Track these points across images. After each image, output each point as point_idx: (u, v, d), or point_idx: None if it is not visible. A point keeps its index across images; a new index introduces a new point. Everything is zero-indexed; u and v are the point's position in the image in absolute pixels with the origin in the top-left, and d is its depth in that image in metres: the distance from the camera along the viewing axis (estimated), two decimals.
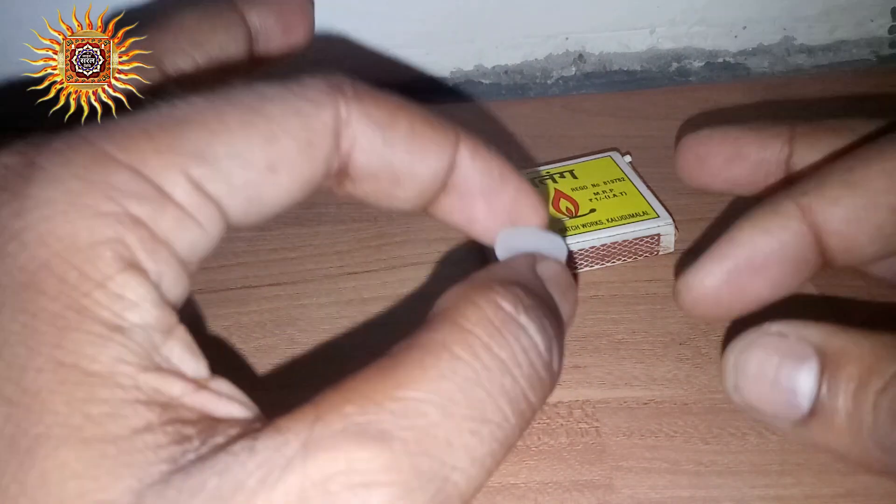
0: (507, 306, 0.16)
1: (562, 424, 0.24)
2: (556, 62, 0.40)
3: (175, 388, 0.14)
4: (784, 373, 0.18)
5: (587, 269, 0.29)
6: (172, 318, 0.15)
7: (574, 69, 0.40)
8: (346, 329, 0.27)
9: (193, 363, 0.15)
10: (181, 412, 0.14)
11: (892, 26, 0.39)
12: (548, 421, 0.24)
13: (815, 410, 0.17)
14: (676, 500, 0.21)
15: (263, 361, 0.26)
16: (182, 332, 0.15)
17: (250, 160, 0.16)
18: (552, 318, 0.17)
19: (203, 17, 0.25)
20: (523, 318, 0.16)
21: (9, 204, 0.14)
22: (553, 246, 0.20)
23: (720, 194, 0.30)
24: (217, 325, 0.28)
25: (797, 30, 0.39)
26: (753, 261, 0.21)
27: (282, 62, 0.28)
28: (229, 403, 0.15)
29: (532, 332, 0.16)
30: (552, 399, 0.24)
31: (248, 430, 0.14)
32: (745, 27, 0.39)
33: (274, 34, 0.27)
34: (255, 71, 0.28)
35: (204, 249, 0.16)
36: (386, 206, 0.19)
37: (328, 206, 0.33)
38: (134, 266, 0.14)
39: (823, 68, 0.40)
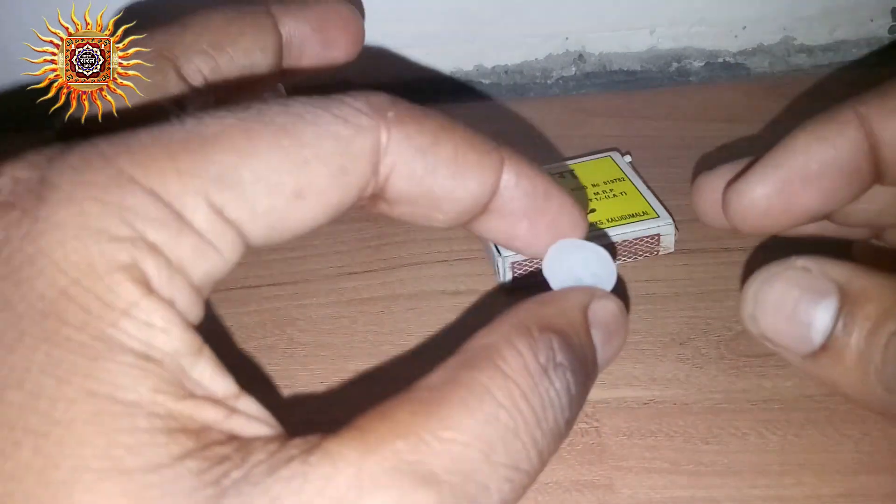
0: (542, 359, 0.16)
1: None
2: (556, 62, 0.40)
3: (208, 415, 0.14)
4: (803, 306, 0.18)
5: None
6: (199, 340, 0.15)
7: (574, 69, 0.40)
8: (346, 329, 0.27)
9: (223, 382, 0.15)
10: (214, 436, 0.14)
11: (892, 26, 0.39)
12: None
13: (827, 345, 0.18)
14: (676, 501, 0.21)
15: (263, 361, 0.26)
16: (209, 352, 0.15)
17: (277, 186, 0.15)
18: (581, 373, 0.17)
19: (230, 17, 0.24)
20: (551, 375, 0.16)
21: (19, 224, 0.14)
22: (603, 268, 0.20)
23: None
24: (217, 324, 0.28)
25: (797, 30, 0.39)
26: (808, 169, 0.20)
27: (317, 76, 0.26)
28: (257, 425, 0.15)
29: (559, 388, 0.16)
30: None
31: (282, 450, 0.14)
32: (745, 27, 0.39)
33: (310, 46, 0.26)
34: (283, 82, 0.26)
35: (220, 275, 0.15)
36: (420, 224, 0.18)
37: None
38: (153, 291, 0.14)
39: (823, 68, 0.40)
